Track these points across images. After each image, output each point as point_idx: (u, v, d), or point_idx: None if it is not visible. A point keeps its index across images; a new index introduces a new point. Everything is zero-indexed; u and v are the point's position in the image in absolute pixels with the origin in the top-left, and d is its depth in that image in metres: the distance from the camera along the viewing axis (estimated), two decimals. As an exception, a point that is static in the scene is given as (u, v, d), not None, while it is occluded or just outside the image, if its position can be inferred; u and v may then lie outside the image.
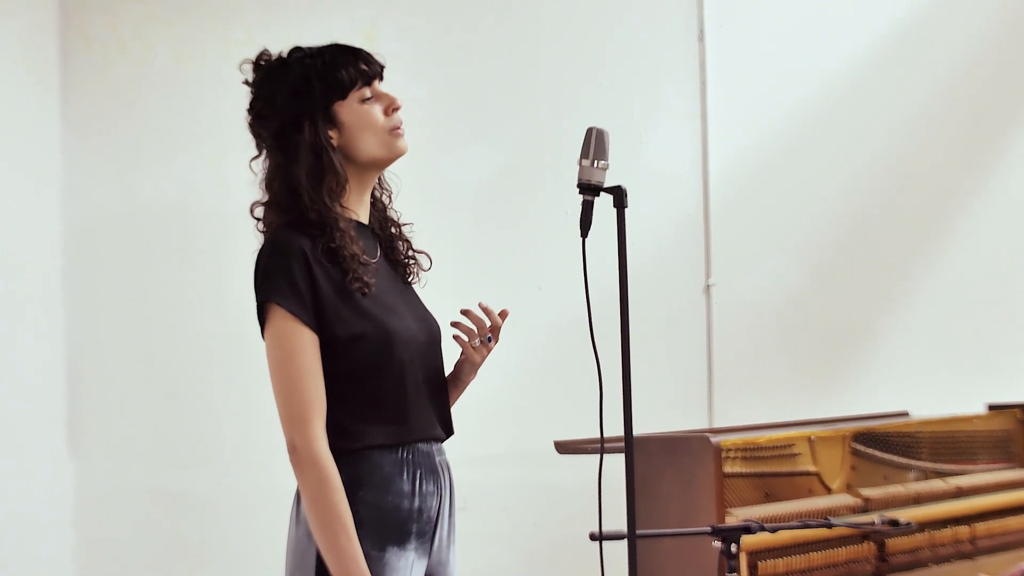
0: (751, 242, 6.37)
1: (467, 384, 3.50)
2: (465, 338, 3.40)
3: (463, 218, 6.12)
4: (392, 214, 3.44)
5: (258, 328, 3.17)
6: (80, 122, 6.09)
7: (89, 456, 6.09)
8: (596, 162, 3.13)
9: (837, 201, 6.44)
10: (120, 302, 6.10)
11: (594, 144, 3.13)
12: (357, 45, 3.34)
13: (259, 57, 3.30)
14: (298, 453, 3.05)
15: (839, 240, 6.44)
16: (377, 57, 3.32)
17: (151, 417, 6.07)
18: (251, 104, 3.29)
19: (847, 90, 6.42)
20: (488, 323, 3.38)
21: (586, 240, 3.13)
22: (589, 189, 3.13)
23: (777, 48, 6.39)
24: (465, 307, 3.37)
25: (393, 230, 3.42)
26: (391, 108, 3.29)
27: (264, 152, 3.28)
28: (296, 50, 3.28)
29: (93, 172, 6.09)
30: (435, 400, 3.30)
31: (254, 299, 3.17)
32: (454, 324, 3.39)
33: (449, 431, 3.35)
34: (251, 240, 3.27)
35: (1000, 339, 6.41)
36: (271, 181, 3.23)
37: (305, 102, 3.20)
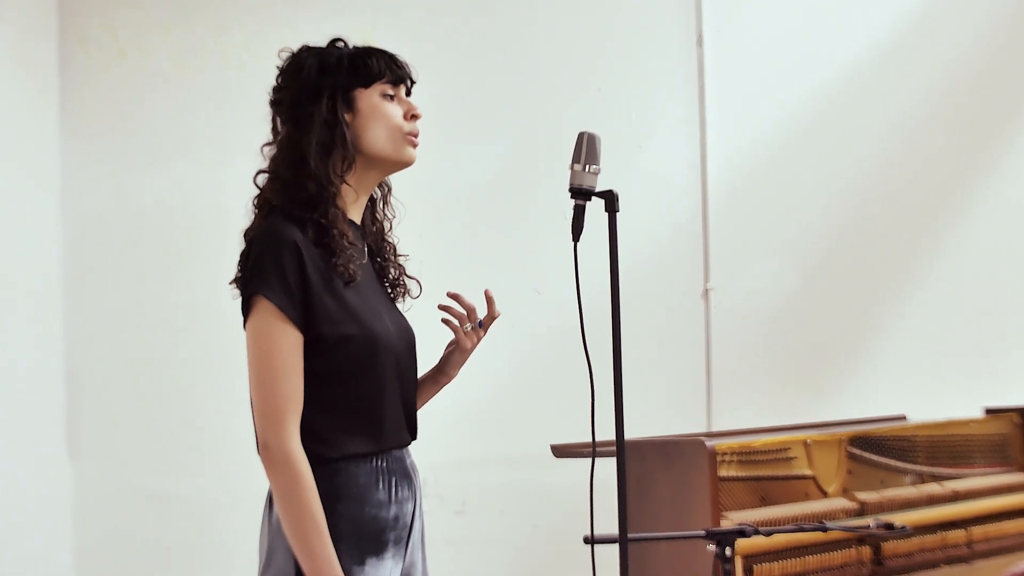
0: (749, 246, 6.37)
1: (451, 378, 3.50)
2: (455, 322, 3.41)
3: (460, 222, 6.12)
4: (390, 239, 3.44)
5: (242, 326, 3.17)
6: (78, 126, 6.11)
7: (88, 459, 6.10)
8: (587, 166, 3.13)
9: (835, 205, 6.44)
10: (118, 306, 6.12)
11: (585, 148, 3.14)
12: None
13: (301, 48, 3.32)
14: (271, 452, 3.01)
15: (837, 244, 6.44)
16: (412, 72, 3.34)
17: (150, 420, 6.08)
18: (277, 78, 3.30)
19: (844, 95, 6.43)
20: (482, 311, 3.42)
21: (578, 244, 3.14)
22: (580, 193, 3.14)
23: (775, 53, 6.39)
24: (454, 291, 3.39)
25: (387, 251, 3.42)
26: (411, 114, 3.30)
27: (276, 131, 3.28)
28: (337, 39, 3.32)
29: (91, 176, 6.10)
30: (406, 406, 3.30)
31: (238, 285, 3.16)
32: (442, 307, 3.39)
33: (415, 435, 3.35)
34: (239, 240, 3.27)
35: (998, 343, 6.41)
36: (277, 154, 3.23)
37: (329, 79, 3.21)
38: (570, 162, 3.15)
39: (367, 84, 3.25)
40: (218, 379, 5.98)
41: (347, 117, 3.22)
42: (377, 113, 3.25)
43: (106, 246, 6.11)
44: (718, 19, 6.34)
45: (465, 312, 3.41)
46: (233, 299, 3.20)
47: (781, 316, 6.40)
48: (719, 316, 6.33)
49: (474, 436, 5.95)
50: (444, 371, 3.49)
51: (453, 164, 6.07)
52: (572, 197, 3.14)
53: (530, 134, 6.25)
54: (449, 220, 6.04)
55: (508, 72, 6.30)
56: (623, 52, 6.33)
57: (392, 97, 3.28)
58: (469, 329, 3.42)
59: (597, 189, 3.15)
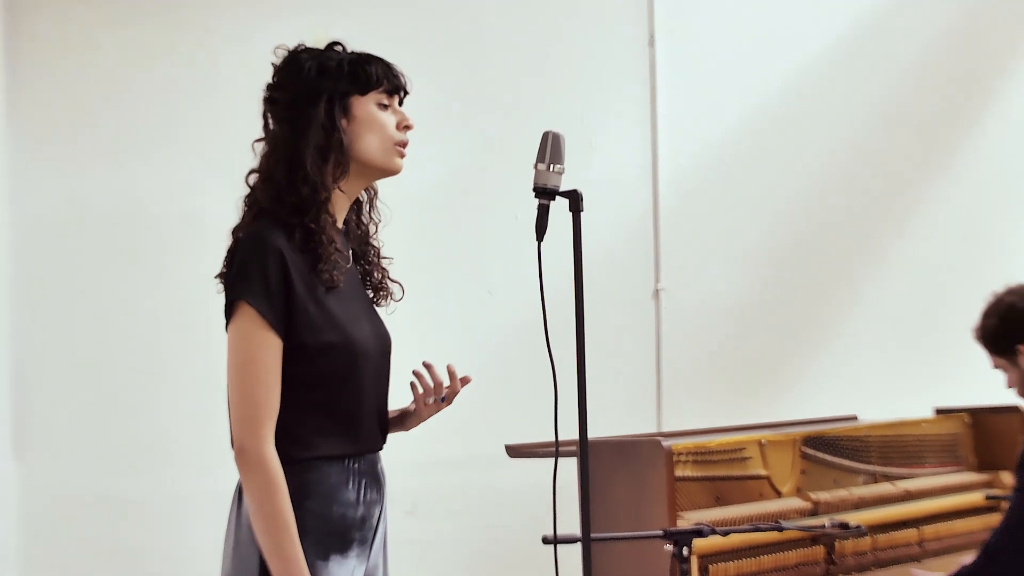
0: (700, 247, 6.39)
1: (407, 430, 3.52)
2: (420, 390, 3.41)
3: (412, 222, 6.07)
4: (375, 242, 3.45)
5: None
6: (25, 124, 6.04)
7: (34, 460, 6.04)
8: (552, 166, 3.14)
9: (786, 207, 6.47)
10: (66, 305, 6.06)
11: (550, 148, 3.14)
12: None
13: (297, 45, 3.33)
14: (247, 455, 3.04)
15: (788, 245, 6.47)
16: (408, 82, 3.35)
17: (97, 421, 6.02)
18: (274, 75, 3.29)
19: (796, 97, 6.46)
20: (447, 384, 3.40)
21: (541, 244, 3.14)
22: (545, 193, 3.14)
23: (727, 54, 6.41)
24: (429, 361, 3.38)
25: (371, 255, 3.43)
26: (403, 125, 3.32)
27: (268, 129, 3.27)
28: (336, 43, 3.33)
29: (39, 174, 6.04)
30: (380, 411, 3.32)
31: (223, 287, 3.16)
32: (416, 374, 3.39)
33: (385, 440, 3.36)
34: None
35: (948, 344, 6.44)
36: (270, 154, 3.23)
37: (328, 82, 3.22)
38: (534, 161, 3.14)
39: (364, 92, 3.26)
40: (166, 379, 5.95)
41: (343, 123, 3.22)
42: (372, 122, 3.26)
43: (53, 244, 6.06)
44: (670, 20, 6.36)
45: (433, 385, 3.40)
46: (218, 293, 3.19)
47: (732, 317, 6.42)
48: (670, 317, 6.35)
49: (425, 437, 5.91)
50: (402, 423, 3.51)
51: (404, 165, 6.03)
52: (536, 196, 3.14)
53: (481, 135, 6.24)
54: (401, 221, 5.97)
55: (459, 73, 6.29)
56: (575, 52, 6.34)
57: (386, 106, 3.29)
58: (432, 402, 3.41)
59: (561, 189, 3.15)
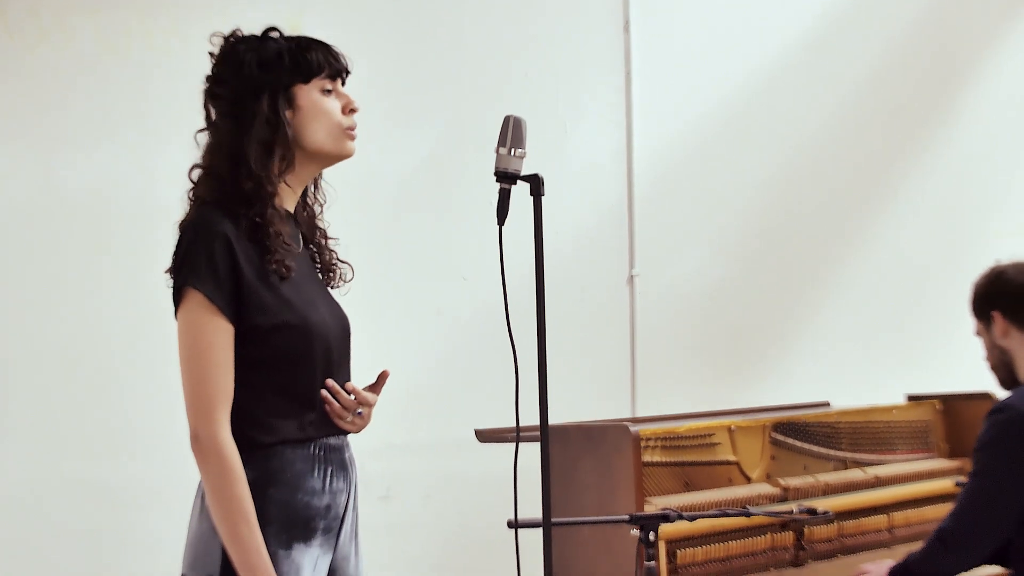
0: (675, 233, 6.40)
1: None
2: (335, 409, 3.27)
3: (387, 208, 6.10)
4: (321, 224, 3.43)
5: (172, 315, 3.15)
6: (-1, 109, 6.03)
7: (1, 447, 6.03)
8: (513, 150, 3.14)
9: (760, 193, 6.48)
10: (36, 291, 6.04)
11: (511, 132, 3.14)
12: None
13: (232, 33, 3.29)
14: (201, 442, 3.03)
15: (762, 231, 6.48)
16: (348, 63, 3.35)
17: (66, 407, 6.00)
18: (213, 69, 3.27)
19: (771, 83, 6.47)
20: (357, 399, 3.27)
21: (503, 228, 3.15)
22: (506, 177, 3.14)
23: (702, 39, 6.42)
24: (333, 385, 3.23)
25: (320, 237, 3.42)
26: (349, 108, 3.31)
27: (212, 122, 3.25)
28: (271, 29, 3.30)
29: (12, 160, 6.01)
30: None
31: (170, 277, 3.14)
32: (324, 398, 3.23)
33: None
34: (172, 229, 3.24)
35: (919, 331, 6.48)
36: (214, 149, 3.20)
37: (270, 75, 3.20)
38: (496, 146, 3.15)
39: (307, 80, 3.25)
40: (136, 366, 5.93)
41: (288, 114, 3.21)
42: (317, 110, 3.25)
43: (25, 230, 6.03)
44: (645, 5, 6.36)
45: (341, 406, 3.25)
46: (167, 287, 3.17)
47: (706, 303, 6.43)
48: (644, 302, 6.36)
49: (399, 422, 5.93)
50: None
51: (379, 150, 6.03)
52: (498, 181, 3.14)
53: (457, 120, 6.23)
54: (375, 207, 6.01)
55: (434, 57, 6.27)
56: (550, 37, 6.33)
57: (330, 91, 3.29)
58: (350, 420, 3.28)
59: (523, 173, 3.15)
